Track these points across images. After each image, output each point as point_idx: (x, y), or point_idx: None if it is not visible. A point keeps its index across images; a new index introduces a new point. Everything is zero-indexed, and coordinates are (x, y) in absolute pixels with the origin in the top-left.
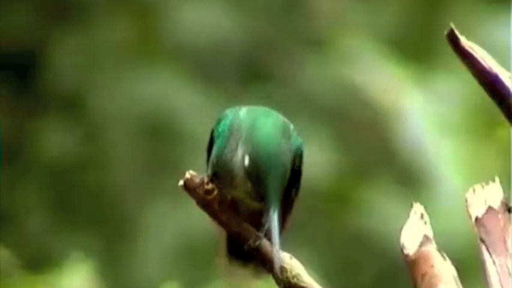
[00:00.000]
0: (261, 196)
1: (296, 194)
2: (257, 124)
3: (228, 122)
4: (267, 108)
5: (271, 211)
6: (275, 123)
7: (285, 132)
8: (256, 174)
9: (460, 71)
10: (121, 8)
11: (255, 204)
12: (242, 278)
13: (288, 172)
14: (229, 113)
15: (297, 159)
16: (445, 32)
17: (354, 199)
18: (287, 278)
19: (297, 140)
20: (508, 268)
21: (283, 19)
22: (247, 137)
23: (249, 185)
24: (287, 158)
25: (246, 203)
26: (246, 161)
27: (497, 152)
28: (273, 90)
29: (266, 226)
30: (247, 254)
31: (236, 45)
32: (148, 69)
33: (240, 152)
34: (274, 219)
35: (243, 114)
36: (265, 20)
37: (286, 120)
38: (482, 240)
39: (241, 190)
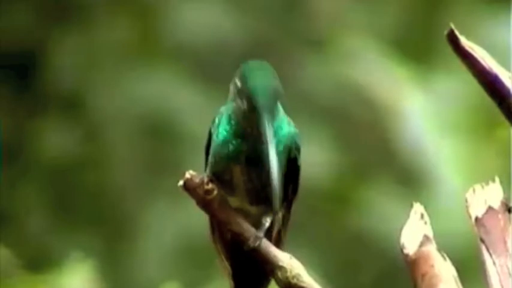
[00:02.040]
0: (260, 197)
1: (295, 193)
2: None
3: (220, 114)
4: None
5: (265, 120)
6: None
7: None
8: (248, 88)
9: (460, 71)
10: (121, 8)
11: (254, 210)
12: None
13: (280, 94)
14: (223, 108)
15: (293, 148)
16: (445, 32)
17: (354, 199)
18: (287, 278)
19: (293, 128)
20: (508, 268)
21: (283, 19)
22: (238, 74)
23: (247, 177)
24: (277, 84)
25: (245, 211)
26: (238, 83)
27: (497, 152)
28: None
29: (266, 226)
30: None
31: (236, 45)
32: (148, 69)
33: (232, 83)
34: (266, 125)
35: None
36: (265, 20)
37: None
38: (482, 240)
39: (240, 190)
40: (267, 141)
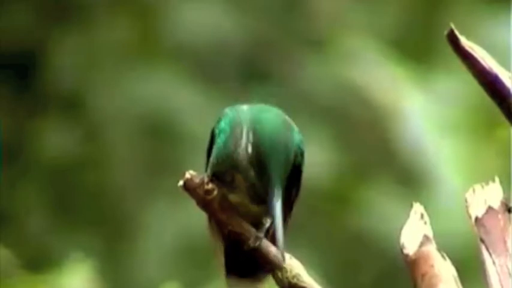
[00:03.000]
0: (262, 198)
1: (297, 194)
2: (260, 116)
3: (228, 119)
4: (267, 105)
5: (275, 200)
6: (277, 116)
7: (287, 124)
8: (259, 160)
9: (460, 71)
10: (121, 8)
11: (255, 208)
12: None
13: (291, 162)
14: (229, 111)
15: (298, 156)
16: (445, 32)
17: (354, 199)
18: (287, 278)
19: (298, 136)
20: (508, 268)
21: (283, 19)
22: (249, 128)
23: (250, 184)
24: (289, 147)
25: (246, 207)
26: (249, 149)
27: (497, 152)
28: (273, 90)
29: (266, 226)
30: (245, 268)
31: (236, 45)
32: (148, 69)
33: (242, 144)
34: (277, 208)
35: (244, 109)
36: (265, 20)
37: (287, 117)
38: (482, 240)
39: (242, 191)
40: (276, 219)
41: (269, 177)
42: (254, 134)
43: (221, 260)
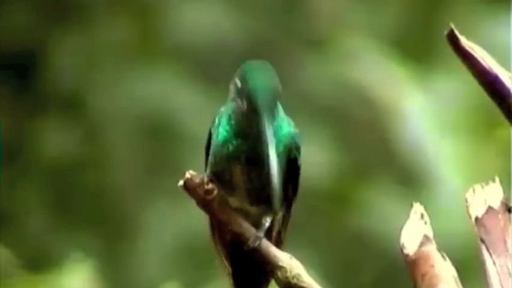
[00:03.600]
0: (260, 198)
1: (294, 192)
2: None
3: (220, 114)
4: None
5: (265, 125)
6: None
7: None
8: (247, 90)
9: (460, 71)
10: (121, 8)
11: (254, 210)
12: None
13: (279, 93)
14: (223, 108)
15: (293, 149)
16: (445, 32)
17: (354, 199)
18: (287, 278)
19: (294, 129)
20: (508, 268)
21: (283, 19)
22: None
23: (247, 177)
24: (276, 78)
25: (245, 210)
26: (239, 84)
27: (497, 152)
28: None
29: (266, 226)
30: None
31: (236, 45)
32: (148, 69)
33: (231, 90)
34: (265, 125)
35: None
36: (265, 20)
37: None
38: (482, 240)
39: (240, 190)
40: (266, 141)
41: (257, 103)
42: (242, 73)
43: (230, 281)
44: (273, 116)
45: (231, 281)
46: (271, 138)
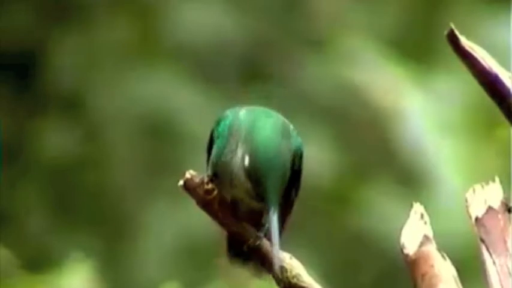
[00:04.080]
0: (261, 196)
1: (296, 194)
2: (257, 125)
3: (227, 122)
4: (266, 109)
5: (271, 212)
6: (275, 124)
7: (285, 133)
8: (255, 175)
9: (460, 71)
10: (121, 8)
11: (255, 204)
12: (242, 276)
13: (288, 173)
14: (229, 113)
15: (297, 159)
16: (445, 32)
17: (354, 199)
18: (287, 278)
19: (296, 140)
20: (508, 268)
21: (283, 19)
22: (246, 137)
23: (248, 185)
24: (287, 159)
25: (246, 203)
26: (246, 162)
27: (497, 152)
28: (273, 90)
29: (266, 226)
30: (248, 252)
31: (236, 45)
32: (148, 69)
33: (239, 153)
34: (273, 220)
35: (242, 114)
36: (265, 20)
37: (286, 121)
38: (482, 240)
39: (241, 190)
40: (272, 232)
41: (265, 193)
42: (250, 149)
43: (224, 243)
44: (279, 201)
45: (226, 244)
46: (276, 230)
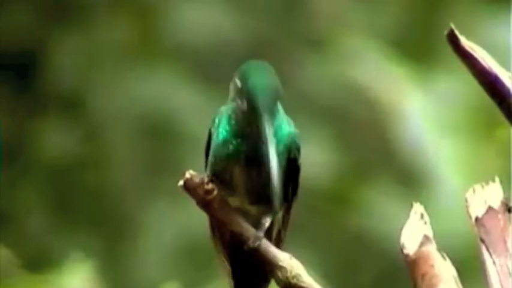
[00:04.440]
0: (260, 197)
1: (295, 193)
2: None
3: (220, 113)
4: None
5: (264, 118)
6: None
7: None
8: (246, 90)
9: (460, 71)
10: (121, 8)
11: (254, 210)
12: None
13: (280, 93)
14: (223, 108)
15: (293, 149)
16: (445, 32)
17: (354, 199)
18: (287, 278)
19: (294, 129)
20: (508, 268)
21: (283, 19)
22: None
23: (248, 178)
24: (276, 79)
25: (245, 210)
26: (239, 84)
27: (497, 152)
28: None
29: (266, 226)
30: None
31: (236, 45)
32: (148, 69)
33: (231, 89)
34: (265, 125)
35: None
36: (265, 20)
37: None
38: (482, 240)
39: (240, 190)
40: (266, 140)
41: (257, 103)
42: (242, 73)
43: (230, 281)
44: (273, 115)
45: (231, 281)
46: (271, 138)
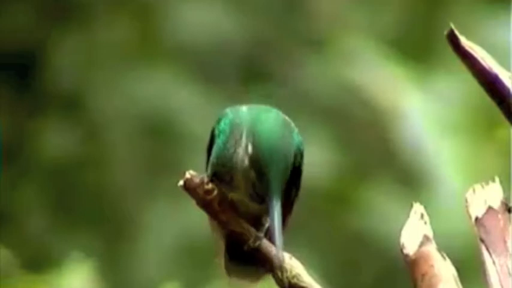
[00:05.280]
0: (261, 197)
1: (296, 194)
2: (259, 118)
3: (228, 120)
4: (267, 106)
5: (274, 202)
6: (277, 117)
7: (287, 126)
8: (259, 162)
9: (460, 71)
10: (121, 8)
11: (255, 206)
12: (241, 280)
13: (291, 165)
14: (229, 111)
15: (298, 157)
16: (445, 32)
17: (354, 199)
18: (287, 278)
19: (297, 137)
20: (508, 268)
21: (283, 19)
22: (249, 130)
23: (249, 184)
24: (290, 150)
25: (245, 205)
26: (250, 150)
27: (497, 152)
28: (273, 90)
29: (266, 226)
30: (247, 256)
31: (236, 45)
32: (148, 69)
33: (242, 144)
34: (276, 211)
35: (243, 110)
36: (265, 20)
37: (287, 118)
38: (482, 240)
39: (241, 190)
40: (273, 223)
41: (268, 182)
42: (254, 137)
43: (222, 250)
44: (282, 190)
45: (225, 254)
46: (279, 220)
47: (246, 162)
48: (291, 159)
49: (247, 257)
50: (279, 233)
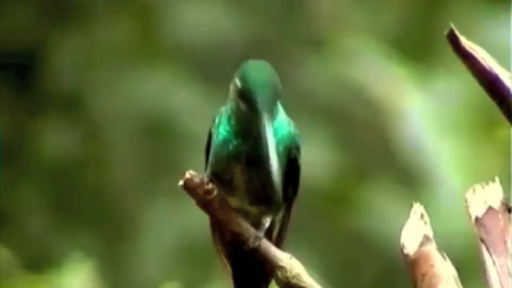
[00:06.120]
0: (261, 198)
1: (295, 193)
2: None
3: (222, 114)
4: None
5: (264, 121)
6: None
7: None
8: (247, 88)
9: (460, 71)
10: (121, 8)
11: (254, 210)
12: None
13: (279, 93)
14: (223, 109)
15: (293, 149)
16: (445, 32)
17: (354, 199)
18: (287, 278)
19: (295, 130)
20: (508, 268)
21: (283, 19)
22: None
23: (247, 179)
24: (276, 80)
25: (244, 212)
26: (238, 84)
27: (497, 152)
28: None
29: (266, 226)
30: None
31: (236, 45)
32: (148, 69)
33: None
34: (267, 128)
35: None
36: (265, 20)
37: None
38: (482, 240)
39: (241, 191)
40: (266, 140)
41: (257, 103)
42: (240, 72)
43: (229, 276)
44: (272, 115)
45: (231, 282)
46: (271, 137)
47: (238, 99)
48: (279, 90)
49: (254, 283)
50: (273, 151)
